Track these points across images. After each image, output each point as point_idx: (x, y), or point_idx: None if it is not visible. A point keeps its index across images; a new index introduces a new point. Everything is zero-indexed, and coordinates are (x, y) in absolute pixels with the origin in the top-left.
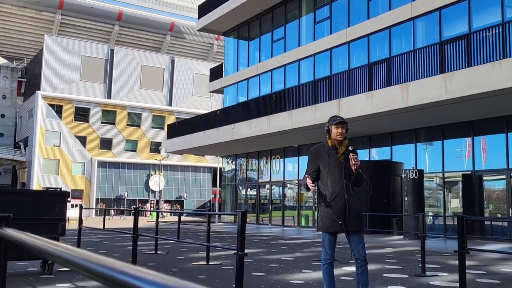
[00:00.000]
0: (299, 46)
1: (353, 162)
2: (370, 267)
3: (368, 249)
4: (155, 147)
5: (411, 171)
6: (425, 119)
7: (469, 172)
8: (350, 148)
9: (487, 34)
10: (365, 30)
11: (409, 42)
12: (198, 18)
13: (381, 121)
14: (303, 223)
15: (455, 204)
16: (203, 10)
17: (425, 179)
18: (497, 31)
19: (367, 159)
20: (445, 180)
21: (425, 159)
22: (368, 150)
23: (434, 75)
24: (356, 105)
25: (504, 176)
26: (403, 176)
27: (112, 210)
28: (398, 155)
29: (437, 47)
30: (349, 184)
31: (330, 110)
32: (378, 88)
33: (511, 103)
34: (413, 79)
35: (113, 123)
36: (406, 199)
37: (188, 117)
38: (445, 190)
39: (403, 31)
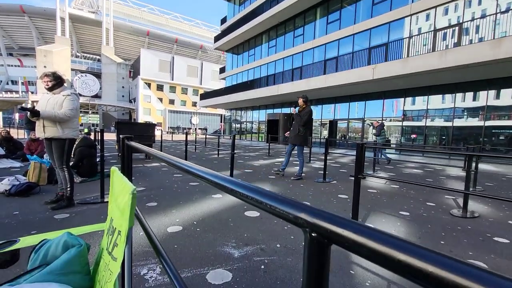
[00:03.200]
0: (260, 57)
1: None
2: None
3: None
4: (194, 103)
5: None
6: (355, 90)
7: (332, 119)
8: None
9: (397, 43)
10: (324, 40)
11: (350, 48)
12: (214, 43)
13: (331, 91)
14: (260, 140)
15: (326, 133)
16: (216, 39)
17: (339, 123)
18: (401, 42)
19: (320, 113)
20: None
21: (339, 112)
22: (321, 107)
23: (366, 65)
24: (316, 82)
25: (346, 122)
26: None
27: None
28: (337, 111)
29: (367, 50)
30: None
31: (301, 85)
32: (330, 73)
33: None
34: (352, 67)
35: (174, 92)
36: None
37: (209, 90)
38: (322, 127)
39: (347, 41)
